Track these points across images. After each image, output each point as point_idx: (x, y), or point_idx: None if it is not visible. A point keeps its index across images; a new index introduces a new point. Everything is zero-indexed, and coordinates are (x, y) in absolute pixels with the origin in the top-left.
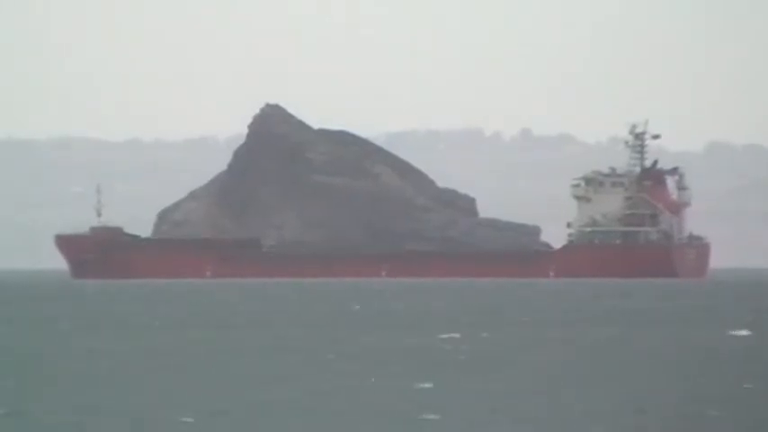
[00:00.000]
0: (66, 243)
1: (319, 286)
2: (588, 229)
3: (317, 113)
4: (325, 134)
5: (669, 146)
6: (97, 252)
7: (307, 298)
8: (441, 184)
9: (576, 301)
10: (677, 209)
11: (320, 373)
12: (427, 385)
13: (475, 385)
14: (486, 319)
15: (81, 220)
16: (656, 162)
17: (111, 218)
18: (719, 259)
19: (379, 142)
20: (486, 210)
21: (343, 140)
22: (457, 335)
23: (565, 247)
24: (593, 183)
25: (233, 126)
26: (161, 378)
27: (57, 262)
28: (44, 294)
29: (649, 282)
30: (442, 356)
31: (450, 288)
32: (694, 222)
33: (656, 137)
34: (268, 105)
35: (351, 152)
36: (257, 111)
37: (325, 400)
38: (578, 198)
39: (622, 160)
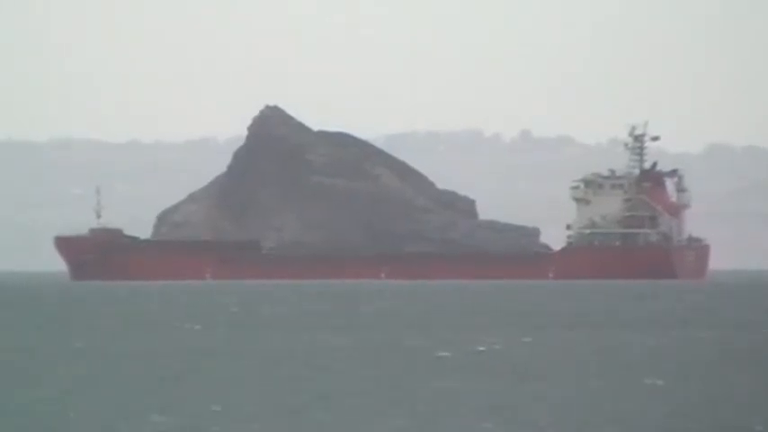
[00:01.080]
0: (65, 245)
1: (353, 287)
2: (587, 231)
3: (317, 115)
4: (324, 136)
5: (669, 147)
6: (97, 254)
7: (360, 299)
8: (440, 185)
9: (595, 302)
10: (676, 210)
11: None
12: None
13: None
14: (524, 322)
15: (81, 222)
16: (655, 164)
17: (111, 219)
18: (719, 261)
19: (379, 144)
20: (485, 211)
21: (342, 142)
22: (497, 340)
23: (564, 249)
24: (593, 185)
25: (233, 127)
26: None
27: (56, 263)
28: (43, 296)
29: (650, 283)
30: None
31: (467, 290)
32: (694, 224)
33: (655, 138)
34: (267, 107)
35: (350, 154)
36: (257, 112)
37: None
38: (577, 200)
39: (622, 162)
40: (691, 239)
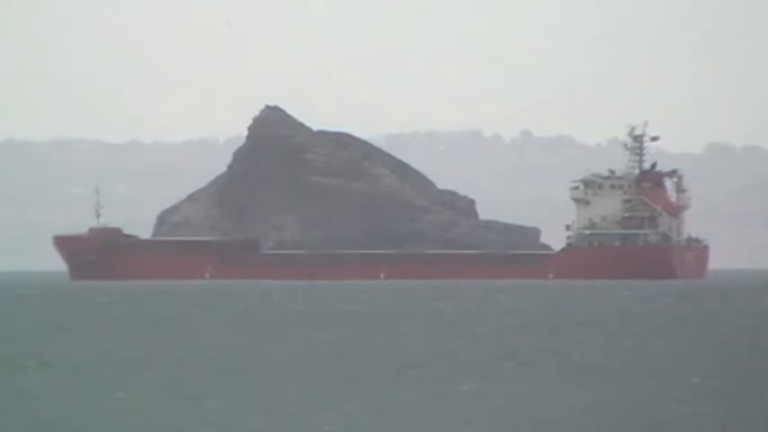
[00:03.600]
0: (64, 244)
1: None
2: (587, 232)
3: (317, 115)
4: (324, 135)
5: (668, 147)
6: (96, 253)
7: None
8: (440, 185)
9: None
10: (676, 211)
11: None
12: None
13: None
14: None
15: (81, 222)
16: (654, 164)
17: (111, 219)
18: (719, 261)
19: (379, 143)
20: (485, 211)
21: (342, 142)
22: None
23: (564, 250)
24: (592, 185)
25: (233, 127)
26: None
27: (56, 263)
28: (43, 296)
29: (650, 283)
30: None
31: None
32: (694, 224)
33: (654, 139)
34: (268, 107)
35: (350, 153)
36: (257, 112)
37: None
38: (577, 201)
39: (622, 162)
40: (690, 240)
